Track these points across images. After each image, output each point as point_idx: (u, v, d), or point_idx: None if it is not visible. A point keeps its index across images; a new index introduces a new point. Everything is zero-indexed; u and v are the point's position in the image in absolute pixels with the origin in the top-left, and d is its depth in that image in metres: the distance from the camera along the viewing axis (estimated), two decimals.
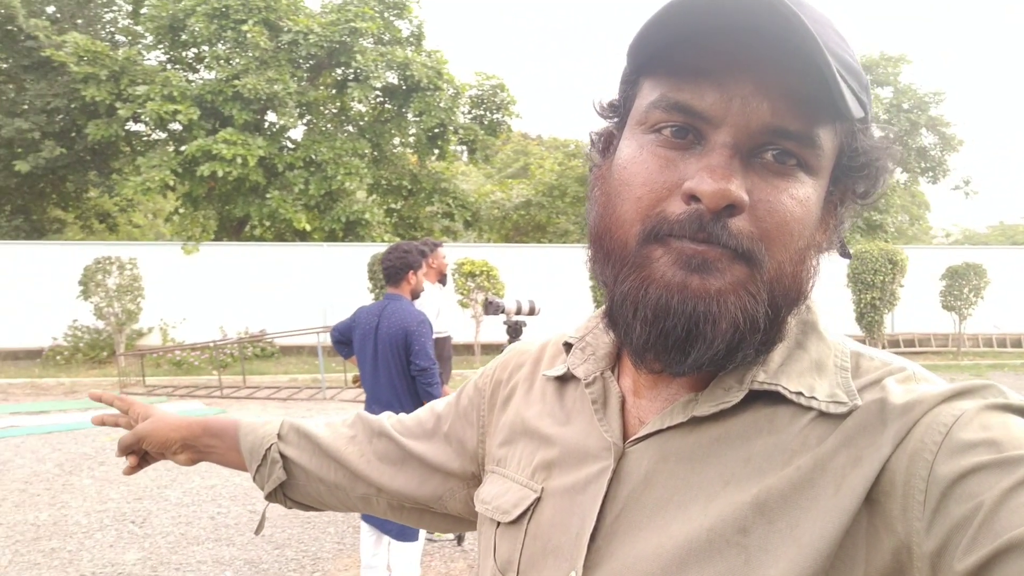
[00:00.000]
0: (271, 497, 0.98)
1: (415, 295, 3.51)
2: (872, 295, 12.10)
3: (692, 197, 0.55)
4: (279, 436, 0.97)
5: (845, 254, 0.67)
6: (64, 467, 6.17)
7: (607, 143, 0.67)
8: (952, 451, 0.51)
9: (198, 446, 1.00)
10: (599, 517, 0.63)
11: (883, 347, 12.62)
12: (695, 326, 0.56)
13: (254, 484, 0.98)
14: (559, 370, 0.76)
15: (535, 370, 0.81)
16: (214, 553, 4.33)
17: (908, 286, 12.42)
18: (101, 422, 1.07)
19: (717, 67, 0.56)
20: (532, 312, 3.55)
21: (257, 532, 1.04)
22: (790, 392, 0.59)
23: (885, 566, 0.53)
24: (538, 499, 0.69)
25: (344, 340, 3.55)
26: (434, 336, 3.53)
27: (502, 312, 3.61)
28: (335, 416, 1.04)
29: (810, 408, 0.59)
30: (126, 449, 1.02)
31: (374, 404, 3.35)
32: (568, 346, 0.76)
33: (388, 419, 0.95)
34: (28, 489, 5.56)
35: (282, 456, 0.96)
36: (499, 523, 0.73)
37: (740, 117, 0.55)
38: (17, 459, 6.42)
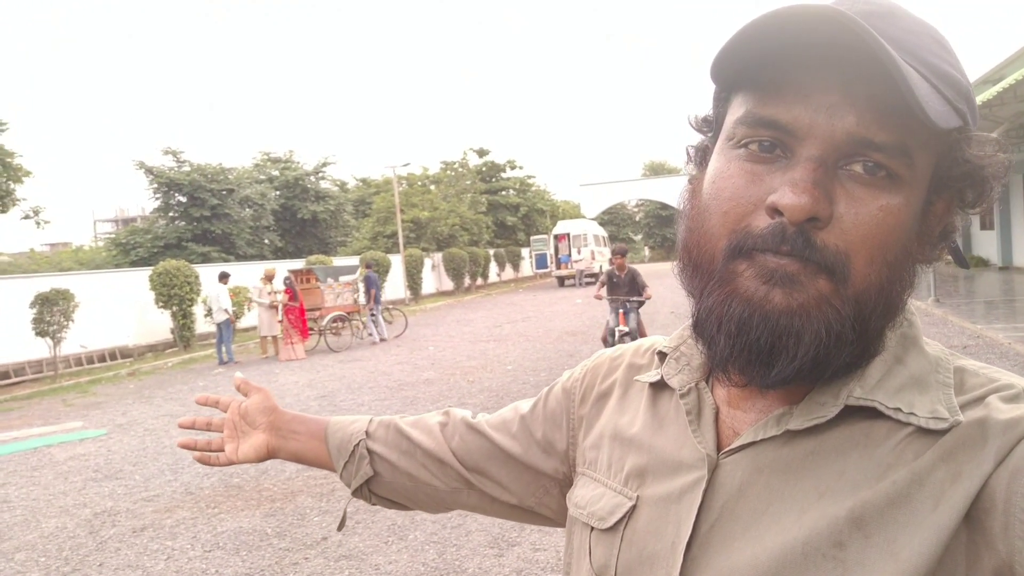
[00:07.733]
0: (356, 493, 1.00)
1: None
2: None
3: (775, 211, 0.55)
4: (367, 433, 0.99)
5: (961, 263, 0.67)
6: None
7: (702, 156, 0.68)
8: None
9: (284, 429, 1.02)
10: (694, 527, 0.62)
11: None
12: (777, 340, 0.56)
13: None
14: (653, 376, 0.76)
15: (629, 376, 0.81)
16: None
17: None
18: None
19: (802, 80, 0.55)
20: None
21: (339, 529, 1.03)
22: (888, 408, 0.58)
23: None
24: (633, 507, 0.69)
25: None
26: None
27: None
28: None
29: (908, 424, 0.57)
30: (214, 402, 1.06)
31: None
32: (662, 355, 0.75)
33: (474, 415, 0.96)
34: None
35: (369, 452, 0.97)
36: (593, 528, 0.72)
37: (826, 129, 0.55)
38: None
